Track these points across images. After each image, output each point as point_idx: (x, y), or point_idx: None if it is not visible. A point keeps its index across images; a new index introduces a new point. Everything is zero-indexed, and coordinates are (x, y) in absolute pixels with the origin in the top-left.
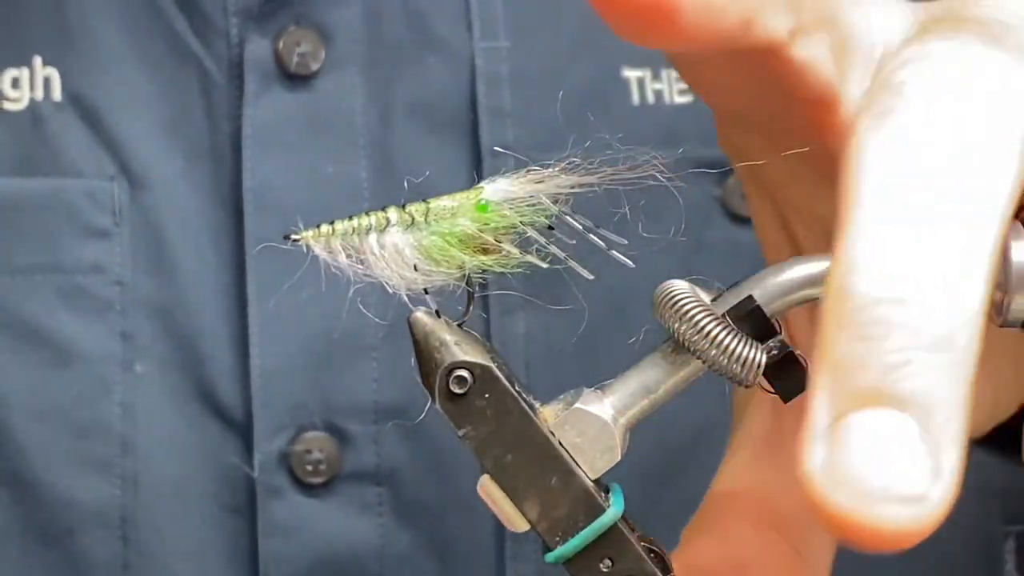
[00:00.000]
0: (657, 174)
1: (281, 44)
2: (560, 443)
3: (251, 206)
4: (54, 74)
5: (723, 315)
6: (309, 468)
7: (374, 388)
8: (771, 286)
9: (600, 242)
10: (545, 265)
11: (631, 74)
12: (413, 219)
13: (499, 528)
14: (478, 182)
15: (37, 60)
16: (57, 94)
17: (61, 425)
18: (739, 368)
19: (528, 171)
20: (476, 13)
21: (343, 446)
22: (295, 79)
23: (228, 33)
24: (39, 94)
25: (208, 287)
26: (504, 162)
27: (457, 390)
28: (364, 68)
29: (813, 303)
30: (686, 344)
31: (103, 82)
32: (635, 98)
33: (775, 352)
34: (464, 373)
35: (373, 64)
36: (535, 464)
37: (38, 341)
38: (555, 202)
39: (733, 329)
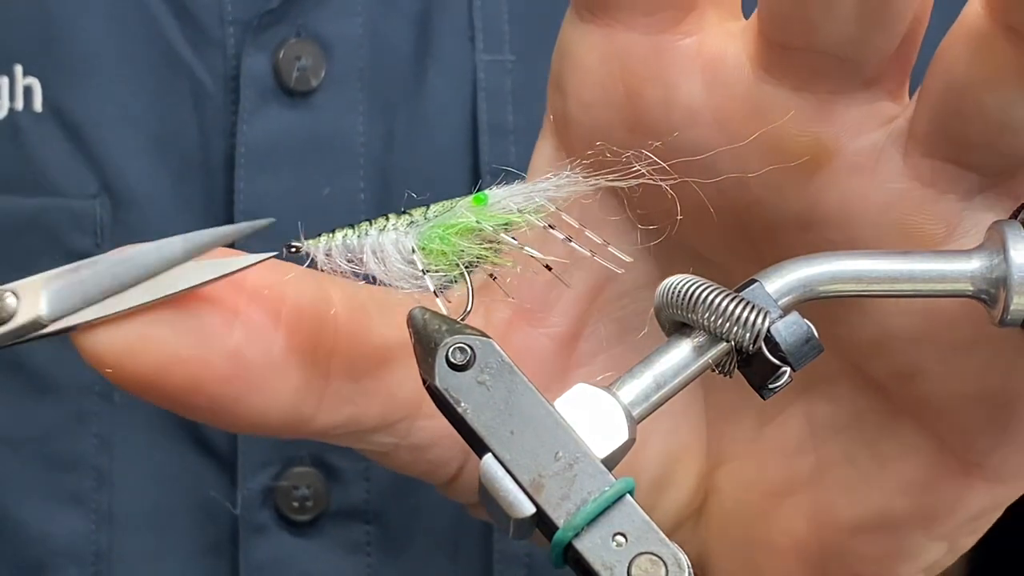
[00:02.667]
0: (653, 177)
1: (280, 57)
2: (564, 419)
3: None
4: (35, 84)
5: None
6: (295, 505)
7: None
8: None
9: (597, 239)
10: (543, 257)
11: None
12: (412, 219)
13: (487, 567)
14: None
15: (18, 69)
16: (38, 104)
17: (35, 456)
18: (741, 331)
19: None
20: (480, 25)
21: (331, 482)
22: (294, 95)
23: (224, 44)
24: (19, 104)
25: None
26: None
27: (458, 360)
28: (366, 84)
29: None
30: (688, 313)
31: (88, 93)
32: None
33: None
34: (464, 346)
35: (374, 79)
36: (539, 439)
37: (13, 369)
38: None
39: (735, 296)
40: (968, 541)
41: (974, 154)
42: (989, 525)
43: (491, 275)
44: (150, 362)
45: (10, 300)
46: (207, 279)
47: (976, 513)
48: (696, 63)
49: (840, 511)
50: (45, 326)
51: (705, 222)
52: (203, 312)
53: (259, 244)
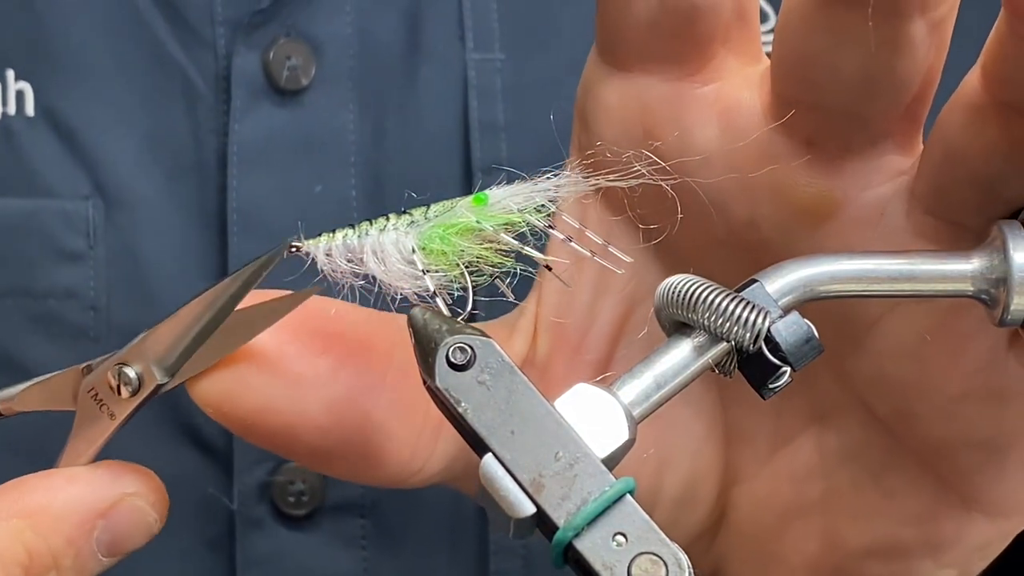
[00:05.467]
0: (653, 177)
1: (271, 57)
2: (565, 419)
3: (236, 226)
4: (27, 88)
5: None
6: (291, 499)
7: None
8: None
9: (598, 239)
10: (543, 257)
11: None
12: (413, 219)
13: (482, 562)
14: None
15: (10, 74)
16: (30, 109)
17: (33, 456)
18: (741, 330)
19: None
20: (470, 24)
21: (326, 477)
22: (284, 94)
23: (215, 44)
24: (11, 108)
25: None
26: (497, 179)
27: (458, 360)
28: (356, 82)
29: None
30: (688, 313)
31: (79, 96)
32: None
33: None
34: (465, 346)
35: (365, 78)
36: (540, 439)
37: (7, 368)
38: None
39: (736, 296)
40: (979, 567)
41: (970, 216)
42: (998, 552)
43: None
44: (247, 407)
45: (129, 372)
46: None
47: (982, 544)
48: (713, 111)
49: (849, 536)
50: (164, 386)
51: (719, 255)
52: (301, 358)
53: (255, 245)
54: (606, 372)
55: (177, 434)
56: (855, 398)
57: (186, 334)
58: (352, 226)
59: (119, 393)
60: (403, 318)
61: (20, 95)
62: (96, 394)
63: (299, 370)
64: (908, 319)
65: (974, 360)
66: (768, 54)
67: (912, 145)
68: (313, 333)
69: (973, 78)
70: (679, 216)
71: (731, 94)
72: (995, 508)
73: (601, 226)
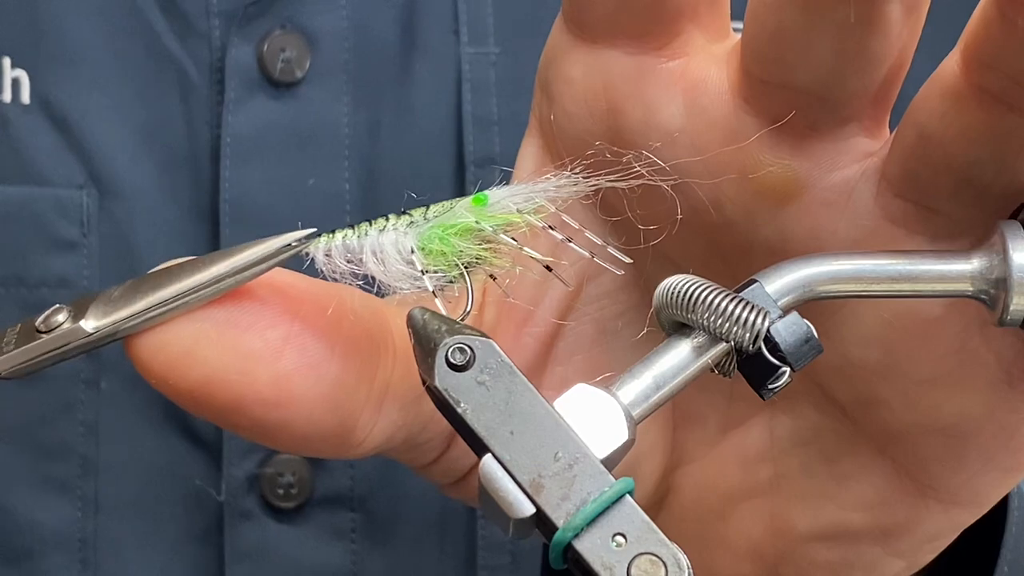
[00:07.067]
0: (653, 178)
1: (265, 49)
2: (564, 419)
3: (228, 218)
4: (23, 76)
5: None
6: (280, 492)
7: None
8: (776, 277)
9: (597, 239)
10: (543, 258)
11: None
12: (412, 219)
13: (471, 554)
14: (465, 194)
15: (6, 62)
16: (26, 97)
17: (21, 444)
18: (741, 331)
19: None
20: (464, 18)
21: (316, 469)
22: (279, 86)
23: (210, 36)
24: (7, 96)
25: None
26: (489, 173)
27: (457, 361)
28: (350, 76)
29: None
30: (688, 313)
31: (75, 85)
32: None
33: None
34: (464, 347)
35: (359, 71)
36: (539, 439)
37: None
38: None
39: (735, 296)
40: (926, 558)
41: (942, 202)
42: (947, 543)
43: (491, 276)
44: (194, 378)
45: (61, 316)
46: (241, 266)
47: (933, 534)
48: (678, 87)
49: (796, 520)
50: (90, 334)
51: (681, 236)
52: (251, 330)
53: (247, 237)
54: (550, 347)
55: (167, 424)
56: (812, 383)
57: (142, 290)
58: (351, 226)
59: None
60: (351, 288)
61: (16, 83)
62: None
63: (250, 343)
64: (874, 304)
65: (943, 344)
66: (737, 30)
67: (879, 129)
68: (264, 302)
69: (951, 63)
70: (638, 195)
71: (697, 70)
72: (951, 496)
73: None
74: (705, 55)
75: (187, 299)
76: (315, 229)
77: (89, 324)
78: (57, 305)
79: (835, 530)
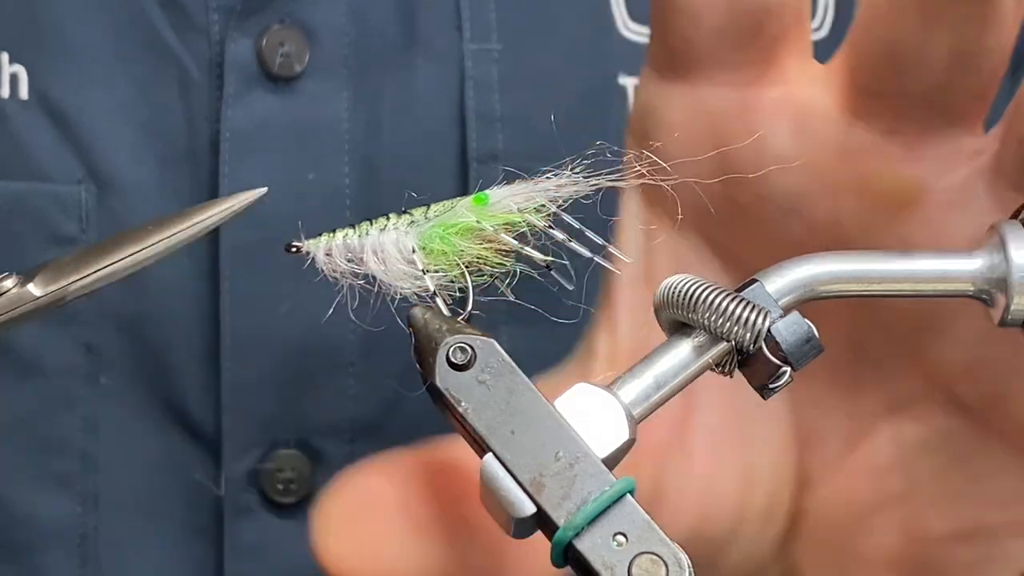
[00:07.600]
0: (653, 177)
1: (264, 43)
2: (565, 419)
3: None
4: (21, 71)
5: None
6: (280, 487)
7: (351, 405)
8: (777, 277)
9: (598, 239)
10: (543, 257)
11: (628, 81)
12: (413, 219)
13: None
14: (467, 190)
15: (4, 57)
16: (24, 92)
17: (21, 439)
18: (741, 330)
19: (525, 179)
20: (467, 14)
21: (315, 465)
22: (278, 81)
23: (209, 31)
24: (5, 92)
25: (179, 297)
26: (492, 169)
27: (458, 360)
28: (350, 70)
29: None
30: (688, 313)
31: (73, 80)
32: (632, 105)
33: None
34: (465, 346)
35: (359, 66)
36: (540, 438)
37: None
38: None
39: (736, 296)
40: None
41: None
42: None
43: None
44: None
45: (9, 282)
46: (187, 225)
47: None
48: (785, 114)
49: (932, 524)
50: (37, 298)
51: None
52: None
53: (245, 232)
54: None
55: (166, 420)
56: (937, 386)
57: (90, 255)
58: (352, 225)
59: None
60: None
61: (14, 78)
62: None
63: (397, 549)
64: None
65: None
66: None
67: (979, 124)
68: (425, 504)
69: None
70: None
71: (802, 94)
72: None
73: (669, 245)
74: (805, 78)
75: (135, 260)
76: (265, 189)
77: (36, 289)
78: (4, 272)
79: (972, 529)
